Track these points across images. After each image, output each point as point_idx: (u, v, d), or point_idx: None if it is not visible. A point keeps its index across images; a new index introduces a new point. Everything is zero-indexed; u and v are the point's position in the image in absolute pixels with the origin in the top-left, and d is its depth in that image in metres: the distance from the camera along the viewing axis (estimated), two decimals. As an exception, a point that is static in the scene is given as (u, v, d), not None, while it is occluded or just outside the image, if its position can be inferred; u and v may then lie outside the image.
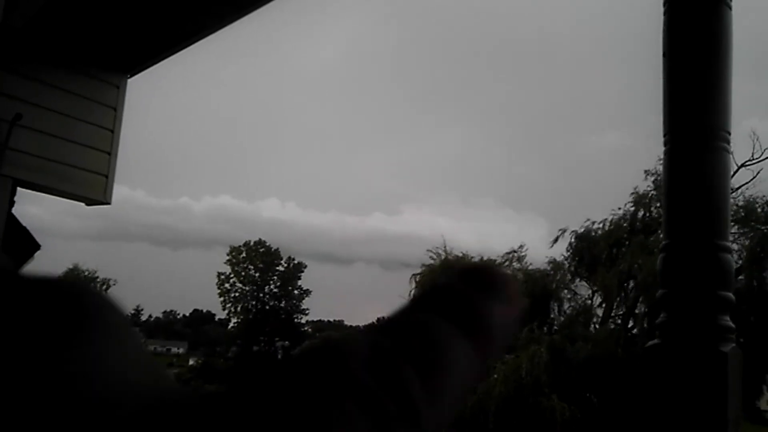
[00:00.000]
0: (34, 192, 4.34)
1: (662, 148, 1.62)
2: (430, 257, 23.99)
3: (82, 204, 4.66)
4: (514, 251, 23.56)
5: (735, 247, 18.50)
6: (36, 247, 4.36)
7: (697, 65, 1.60)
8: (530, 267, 23.07)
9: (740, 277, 18.27)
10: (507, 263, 23.42)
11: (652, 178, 20.09)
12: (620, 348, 18.80)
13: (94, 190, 4.53)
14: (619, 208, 21.50)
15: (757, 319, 18.42)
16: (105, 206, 4.63)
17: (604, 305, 21.84)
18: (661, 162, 1.66)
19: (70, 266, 50.07)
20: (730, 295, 1.52)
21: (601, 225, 21.85)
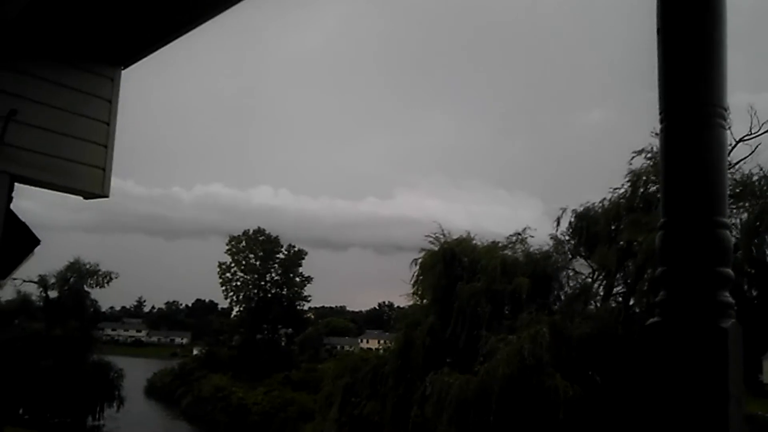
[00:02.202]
0: (27, 186, 4.32)
1: (651, 124, 1.62)
2: (429, 242, 23.97)
3: (80, 198, 4.65)
4: (518, 233, 23.55)
5: (733, 222, 18.52)
6: (35, 242, 4.36)
7: (692, 41, 1.59)
8: (531, 249, 23.08)
9: (738, 253, 18.30)
10: (510, 245, 23.46)
11: (648, 155, 20.04)
12: (621, 326, 18.86)
13: (92, 183, 4.52)
14: (621, 185, 21.46)
15: (756, 293, 18.49)
16: (98, 199, 4.61)
17: (604, 283, 21.89)
18: (654, 139, 1.66)
19: (72, 260, 49.69)
20: (729, 270, 1.52)
21: (600, 204, 21.84)
